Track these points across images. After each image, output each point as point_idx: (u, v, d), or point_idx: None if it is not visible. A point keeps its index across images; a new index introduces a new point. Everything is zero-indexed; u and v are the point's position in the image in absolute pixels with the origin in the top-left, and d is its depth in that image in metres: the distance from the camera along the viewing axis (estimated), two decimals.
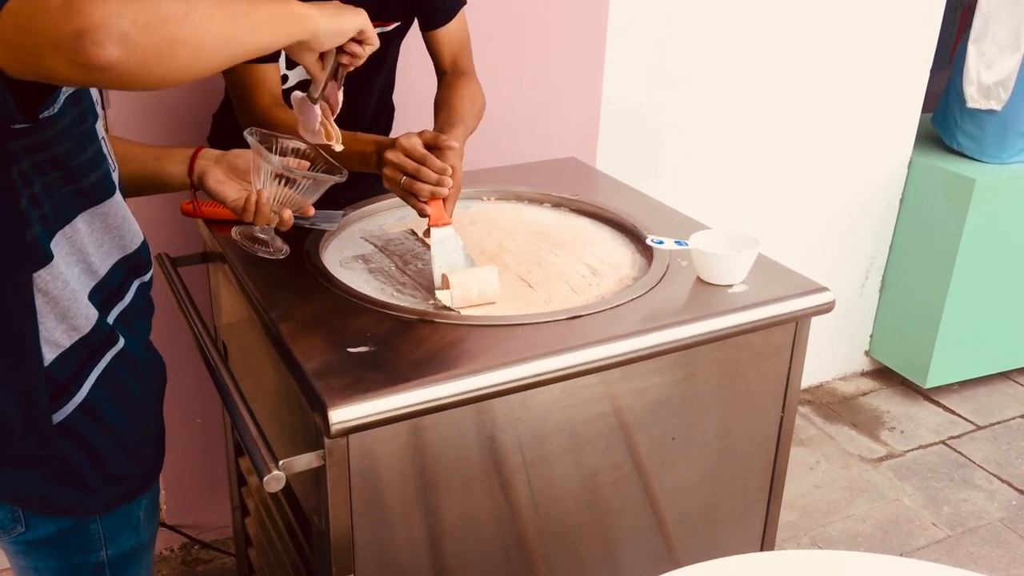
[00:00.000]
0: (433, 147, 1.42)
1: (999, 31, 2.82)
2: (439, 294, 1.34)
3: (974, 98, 2.90)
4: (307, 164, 1.32)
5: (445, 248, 1.39)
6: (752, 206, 2.82)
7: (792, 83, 2.73)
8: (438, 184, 1.39)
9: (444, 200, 1.41)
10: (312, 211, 1.34)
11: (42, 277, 1.01)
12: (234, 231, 1.37)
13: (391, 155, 1.41)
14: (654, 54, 2.49)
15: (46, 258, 1.01)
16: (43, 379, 1.05)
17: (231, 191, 1.37)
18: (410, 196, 1.42)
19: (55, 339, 1.05)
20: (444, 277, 1.35)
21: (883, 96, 2.90)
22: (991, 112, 2.90)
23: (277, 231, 1.34)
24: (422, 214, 1.41)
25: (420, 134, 1.43)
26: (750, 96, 2.68)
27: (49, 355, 1.05)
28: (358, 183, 1.69)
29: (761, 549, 1.57)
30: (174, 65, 0.90)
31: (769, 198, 2.85)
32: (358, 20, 1.16)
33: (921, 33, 2.87)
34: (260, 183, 1.29)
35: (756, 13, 2.59)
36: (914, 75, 2.93)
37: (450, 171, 1.40)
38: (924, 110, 3.04)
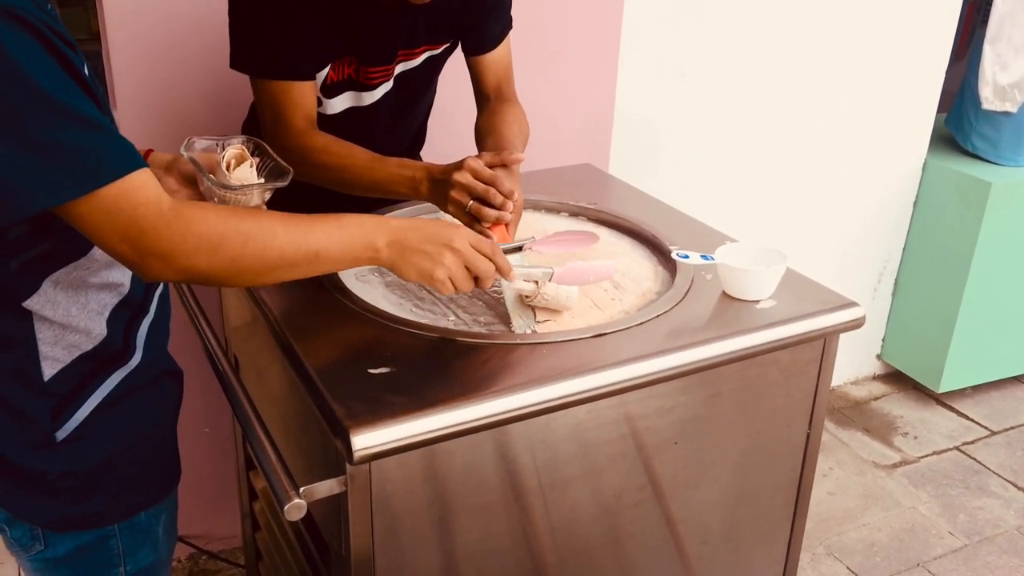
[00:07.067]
0: (497, 166, 1.38)
1: (1015, 32, 2.78)
2: (515, 324, 1.28)
3: (989, 100, 2.86)
4: (256, 161, 1.24)
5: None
6: (764, 209, 2.79)
7: (805, 86, 2.69)
8: (502, 208, 1.34)
9: (507, 224, 1.37)
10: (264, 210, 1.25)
11: (34, 302, 1.03)
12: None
13: (459, 176, 1.35)
14: (666, 59, 2.46)
15: (33, 288, 1.03)
16: (42, 396, 1.06)
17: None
18: (474, 221, 1.36)
19: (54, 355, 1.06)
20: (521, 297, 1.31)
21: (897, 98, 2.86)
22: (1007, 114, 2.86)
23: None
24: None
25: (481, 156, 1.39)
26: (763, 99, 2.64)
27: (48, 371, 1.06)
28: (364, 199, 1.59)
29: (784, 568, 1.54)
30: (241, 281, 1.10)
31: (781, 201, 2.82)
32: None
33: (936, 34, 2.83)
34: (206, 195, 1.23)
35: (768, 18, 2.55)
36: (929, 76, 2.89)
37: (515, 194, 1.35)
38: (937, 109, 3.00)
